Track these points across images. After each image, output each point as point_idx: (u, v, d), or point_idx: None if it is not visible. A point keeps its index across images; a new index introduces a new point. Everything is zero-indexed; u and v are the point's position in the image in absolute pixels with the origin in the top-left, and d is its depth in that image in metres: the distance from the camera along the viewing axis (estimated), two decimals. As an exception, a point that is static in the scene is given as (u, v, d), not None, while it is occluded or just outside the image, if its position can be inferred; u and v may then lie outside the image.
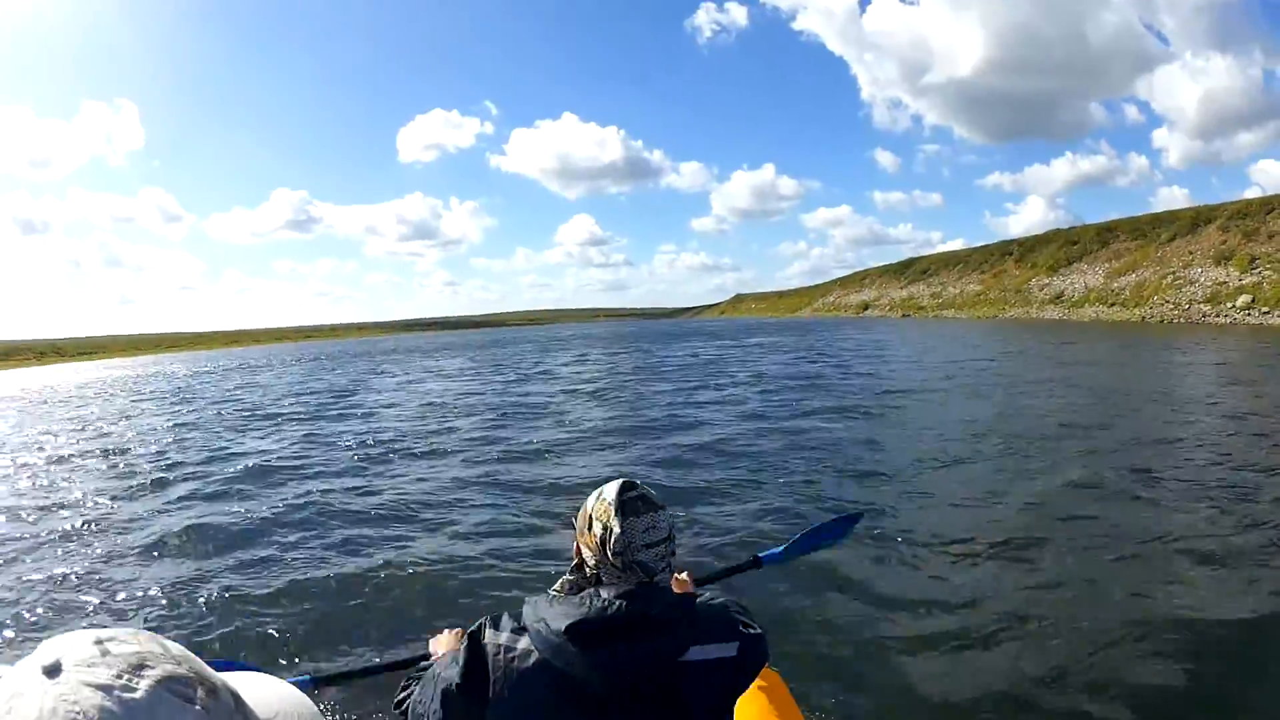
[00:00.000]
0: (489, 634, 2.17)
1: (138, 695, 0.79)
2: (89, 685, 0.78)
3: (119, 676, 0.79)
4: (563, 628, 2.04)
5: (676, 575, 3.17)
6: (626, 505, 2.22)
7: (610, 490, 2.28)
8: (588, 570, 2.33)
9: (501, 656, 2.12)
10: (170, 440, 17.19)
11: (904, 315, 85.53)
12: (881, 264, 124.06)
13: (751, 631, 2.27)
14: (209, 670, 0.90)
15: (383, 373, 36.45)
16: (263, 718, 0.95)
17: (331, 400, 25.37)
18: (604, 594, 2.12)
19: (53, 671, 0.79)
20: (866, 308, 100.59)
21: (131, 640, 0.86)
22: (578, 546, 2.37)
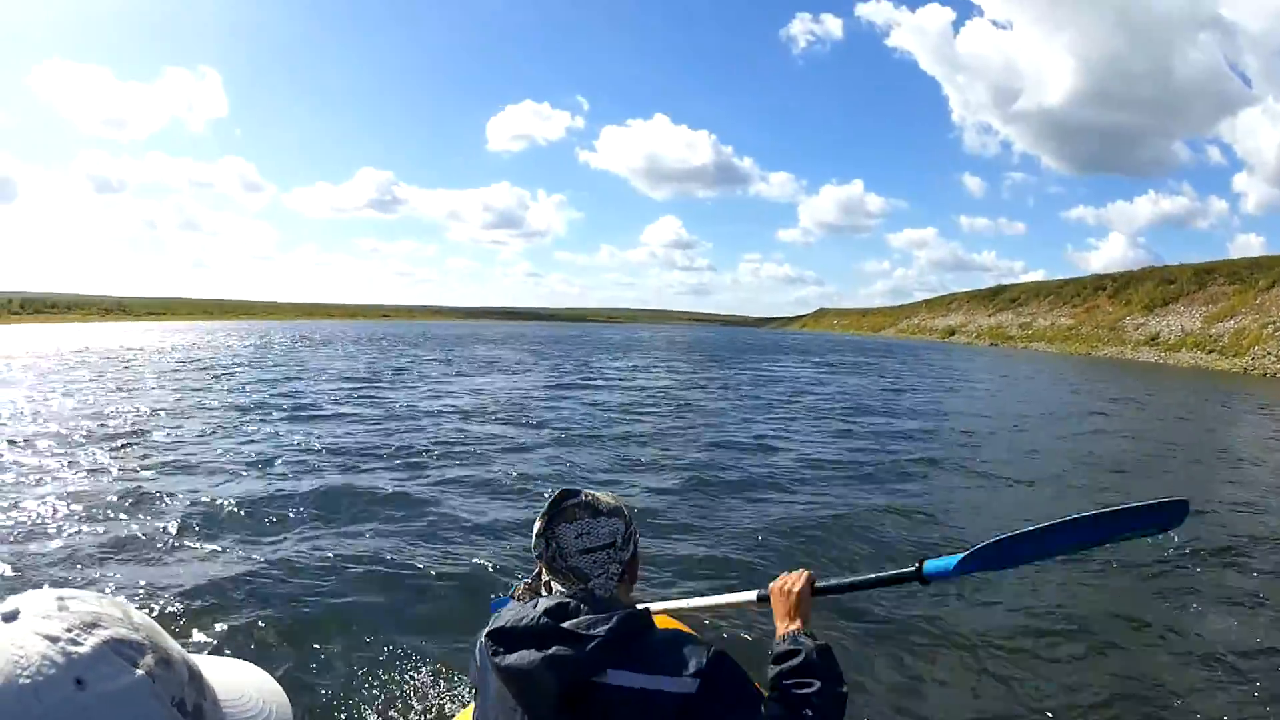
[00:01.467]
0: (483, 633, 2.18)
1: (82, 649, 0.81)
2: (39, 634, 0.81)
3: (69, 630, 0.83)
4: (487, 632, 2.08)
5: (802, 573, 2.83)
6: (557, 513, 2.21)
7: (552, 499, 2.27)
8: (542, 576, 2.32)
9: (476, 655, 2.18)
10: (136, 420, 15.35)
11: (991, 344, 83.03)
12: (967, 289, 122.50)
13: (715, 681, 1.96)
14: (170, 644, 0.92)
15: (448, 362, 34.64)
16: (225, 698, 0.97)
17: (365, 387, 23.52)
18: (542, 601, 2.08)
19: (9, 618, 0.84)
20: (952, 333, 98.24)
21: (92, 601, 0.89)
22: None
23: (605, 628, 1.97)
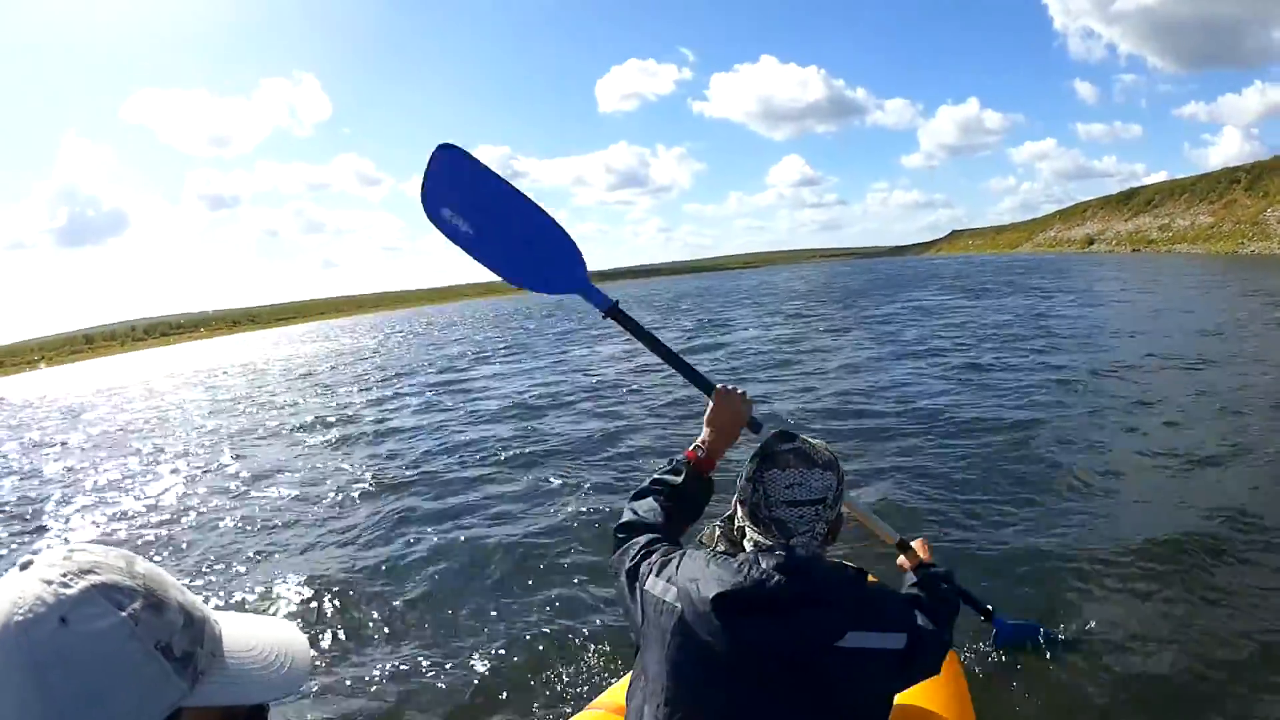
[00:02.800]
0: (650, 581, 2.09)
1: (71, 592, 0.85)
2: (39, 579, 0.86)
3: (64, 575, 0.87)
4: (710, 596, 1.92)
5: (919, 541, 3.12)
6: (771, 456, 2.10)
7: (766, 440, 2.19)
8: (736, 521, 2.20)
9: (654, 607, 2.04)
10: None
11: (1134, 250, 79.34)
12: (1095, 196, 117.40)
13: (927, 627, 2.08)
14: (172, 594, 0.93)
15: (570, 335, 31.24)
16: (232, 648, 0.98)
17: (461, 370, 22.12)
18: (763, 562, 1.92)
19: (24, 566, 0.89)
20: (1091, 242, 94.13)
21: (98, 552, 0.92)
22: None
23: (847, 591, 1.97)
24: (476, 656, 4.90)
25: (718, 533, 2.31)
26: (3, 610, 0.84)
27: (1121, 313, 20.85)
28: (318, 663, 5.07)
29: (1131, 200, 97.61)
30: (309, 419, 15.35)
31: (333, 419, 15.17)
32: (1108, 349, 14.10)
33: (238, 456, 12.56)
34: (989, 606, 4.00)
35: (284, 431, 14.47)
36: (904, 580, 2.73)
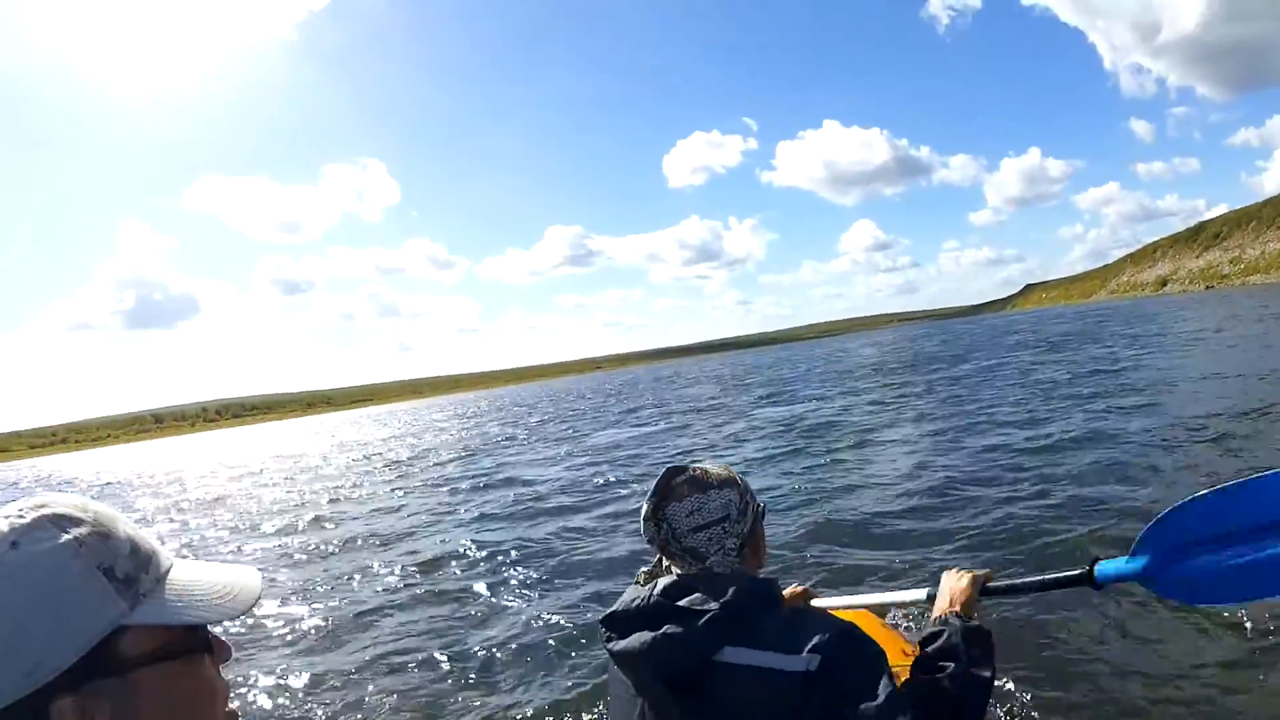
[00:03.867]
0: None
1: (24, 521, 0.90)
2: (3, 516, 0.91)
3: (21, 510, 0.91)
4: (604, 616, 1.99)
5: (951, 573, 2.47)
6: (667, 493, 2.04)
7: (658, 479, 2.08)
8: (659, 567, 2.12)
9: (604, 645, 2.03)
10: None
11: (1207, 287, 77.67)
12: (1163, 236, 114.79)
13: (831, 655, 1.78)
14: (122, 528, 0.96)
15: (603, 419, 30.36)
16: (180, 580, 0.99)
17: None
18: (659, 581, 1.95)
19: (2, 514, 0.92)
20: (1165, 284, 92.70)
21: (60, 497, 0.96)
22: None
23: (720, 602, 1.84)
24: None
25: (644, 576, 2.13)
26: None
27: (1197, 358, 20.09)
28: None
29: (1200, 235, 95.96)
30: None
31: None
32: (1183, 400, 13.07)
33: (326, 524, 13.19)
34: (1084, 569, 2.48)
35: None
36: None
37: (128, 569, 0.92)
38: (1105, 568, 2.36)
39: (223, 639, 1.03)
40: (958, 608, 2.23)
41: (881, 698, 1.74)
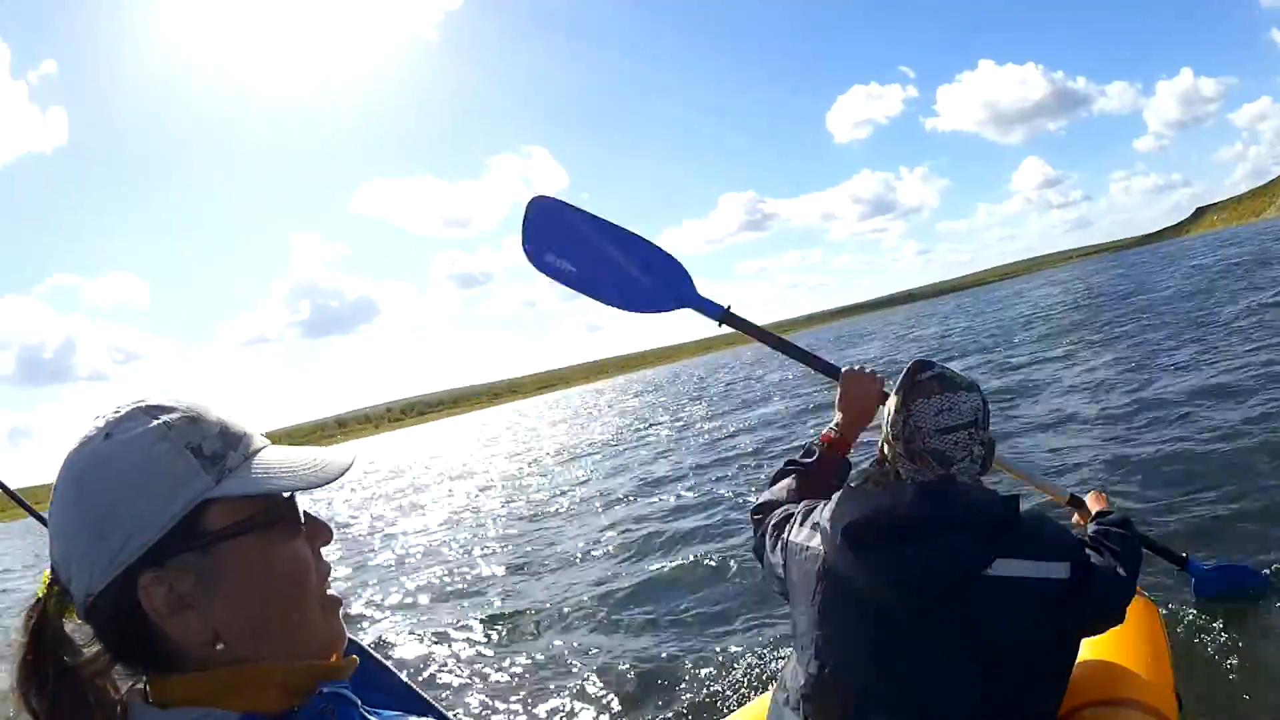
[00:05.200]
0: (793, 531, 2.05)
1: (120, 414, 0.91)
2: (101, 413, 0.93)
3: (119, 405, 0.93)
4: (840, 528, 1.83)
5: (1092, 494, 2.79)
6: (915, 387, 1.93)
7: (904, 372, 1.99)
8: (886, 464, 2.01)
9: (799, 555, 1.98)
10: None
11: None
12: None
13: (1099, 561, 1.88)
14: (214, 413, 0.95)
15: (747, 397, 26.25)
16: (270, 458, 0.96)
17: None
18: (898, 491, 1.87)
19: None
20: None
21: (159, 391, 0.99)
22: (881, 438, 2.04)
23: (993, 514, 1.78)
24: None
25: (865, 477, 2.10)
26: (73, 440, 0.92)
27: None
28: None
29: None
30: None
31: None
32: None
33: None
34: (1183, 554, 3.40)
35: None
36: None
37: (216, 447, 0.92)
38: (1196, 568, 2.97)
39: (322, 520, 1.02)
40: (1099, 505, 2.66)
41: (1116, 577, 1.93)
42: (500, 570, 9.03)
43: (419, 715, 1.02)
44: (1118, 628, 2.03)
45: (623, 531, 9.57)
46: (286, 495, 0.96)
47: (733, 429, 17.47)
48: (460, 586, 8.64)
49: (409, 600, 8.57)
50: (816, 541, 1.94)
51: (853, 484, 2.23)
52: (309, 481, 0.95)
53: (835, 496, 1.99)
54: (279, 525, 0.94)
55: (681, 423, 22.69)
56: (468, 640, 6.55)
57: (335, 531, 1.05)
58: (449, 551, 10.97)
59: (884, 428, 2.01)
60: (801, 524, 2.04)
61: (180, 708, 0.86)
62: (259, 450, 0.97)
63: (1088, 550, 1.90)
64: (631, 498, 11.83)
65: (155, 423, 0.90)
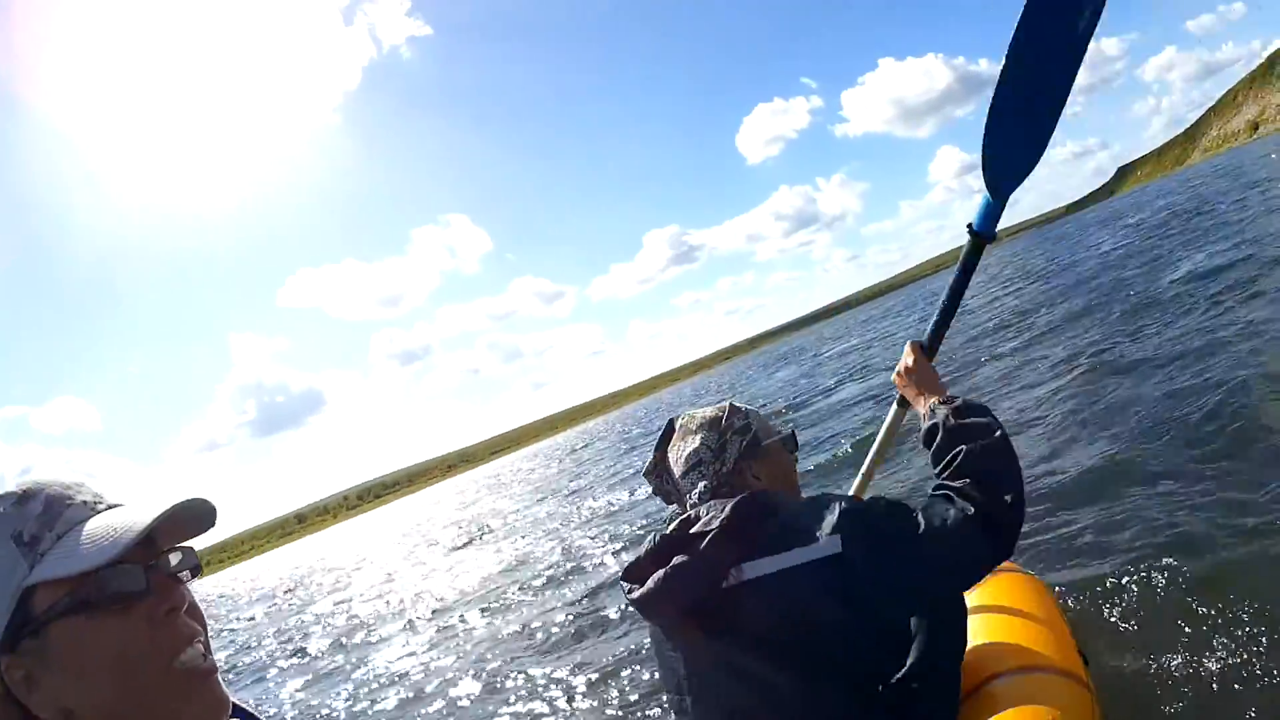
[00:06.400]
0: None
1: None
2: None
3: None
4: (620, 575, 1.85)
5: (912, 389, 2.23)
6: (662, 442, 2.04)
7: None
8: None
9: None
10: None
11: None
12: (1235, 82, 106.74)
13: (854, 507, 1.67)
14: (48, 490, 0.95)
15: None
16: (90, 529, 0.93)
17: None
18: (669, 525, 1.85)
19: None
20: (1257, 127, 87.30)
21: (49, 475, 1.03)
22: None
23: (719, 518, 1.71)
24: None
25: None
26: None
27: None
28: None
29: (1276, 68, 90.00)
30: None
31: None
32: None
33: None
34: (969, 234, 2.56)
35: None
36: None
37: (34, 530, 0.91)
38: (976, 218, 2.47)
39: (176, 583, 0.98)
40: (932, 396, 2.09)
41: (927, 523, 1.68)
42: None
43: None
44: (1009, 605, 2.20)
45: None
46: (113, 566, 0.91)
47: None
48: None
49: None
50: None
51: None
52: (92, 559, 0.90)
53: None
54: (106, 600, 0.91)
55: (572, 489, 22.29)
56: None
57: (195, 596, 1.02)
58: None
59: (650, 486, 2.09)
60: None
61: None
62: (82, 522, 0.94)
63: (848, 511, 1.67)
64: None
65: None
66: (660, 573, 1.71)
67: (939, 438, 1.89)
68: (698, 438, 1.94)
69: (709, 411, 2.01)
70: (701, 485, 1.90)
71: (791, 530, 1.68)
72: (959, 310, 2.46)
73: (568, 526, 14.32)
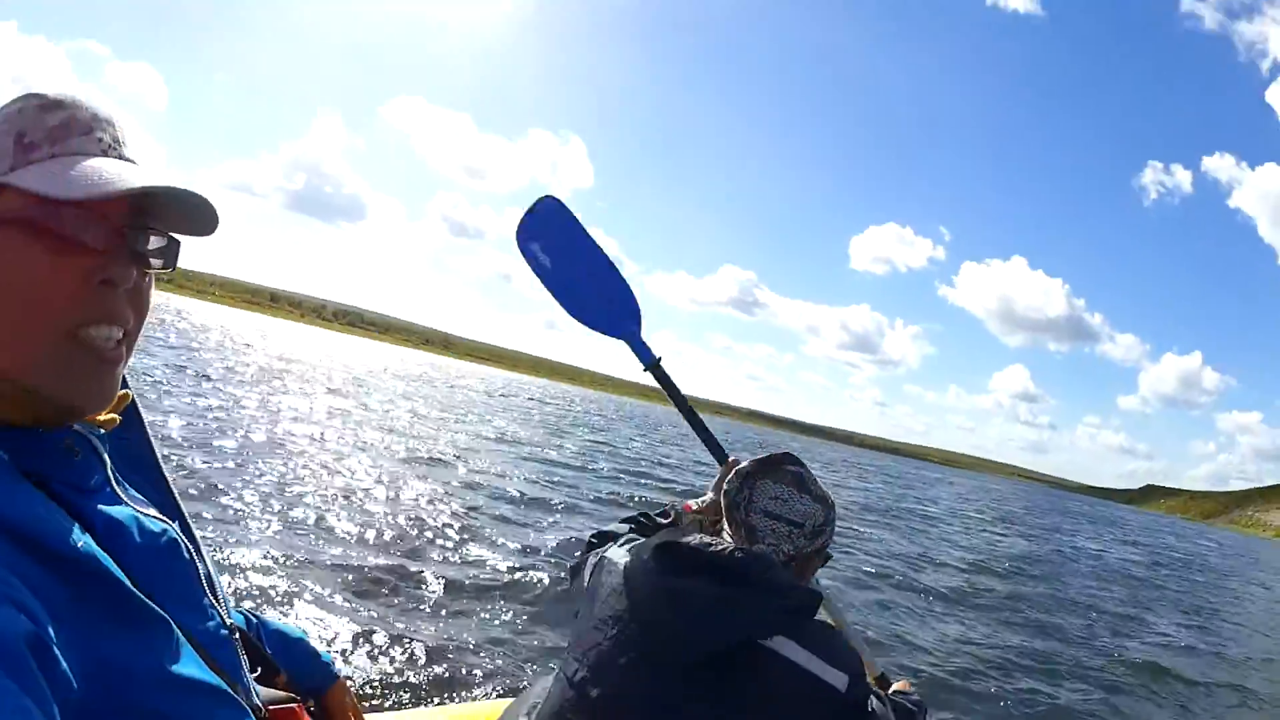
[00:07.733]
0: (613, 550, 1.89)
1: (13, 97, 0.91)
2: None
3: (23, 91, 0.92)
4: (654, 545, 1.73)
5: (903, 682, 2.37)
6: (772, 468, 1.87)
7: (772, 454, 1.93)
8: (713, 514, 2.10)
9: (604, 571, 1.82)
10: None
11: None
12: None
13: (874, 705, 1.69)
14: (65, 113, 0.90)
15: None
16: (89, 163, 0.88)
17: None
18: (720, 540, 1.74)
19: None
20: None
21: (68, 89, 0.93)
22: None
23: (794, 598, 1.65)
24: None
25: (696, 512, 2.20)
26: None
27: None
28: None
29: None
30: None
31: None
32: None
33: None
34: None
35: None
36: None
37: (37, 138, 0.88)
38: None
39: (136, 258, 0.93)
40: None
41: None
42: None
43: (169, 518, 1.03)
44: None
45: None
46: (79, 206, 0.87)
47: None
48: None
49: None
50: (623, 557, 1.81)
51: (684, 520, 2.24)
52: (77, 190, 0.85)
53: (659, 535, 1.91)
54: (53, 234, 0.86)
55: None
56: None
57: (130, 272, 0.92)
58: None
59: (722, 486, 1.99)
60: (620, 546, 1.92)
61: None
62: (86, 157, 0.90)
63: (872, 695, 1.72)
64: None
65: (15, 105, 0.90)
66: (720, 589, 1.62)
67: (905, 700, 2.00)
68: (816, 506, 1.84)
69: (824, 486, 1.92)
70: (785, 546, 1.80)
71: (820, 640, 1.65)
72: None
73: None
